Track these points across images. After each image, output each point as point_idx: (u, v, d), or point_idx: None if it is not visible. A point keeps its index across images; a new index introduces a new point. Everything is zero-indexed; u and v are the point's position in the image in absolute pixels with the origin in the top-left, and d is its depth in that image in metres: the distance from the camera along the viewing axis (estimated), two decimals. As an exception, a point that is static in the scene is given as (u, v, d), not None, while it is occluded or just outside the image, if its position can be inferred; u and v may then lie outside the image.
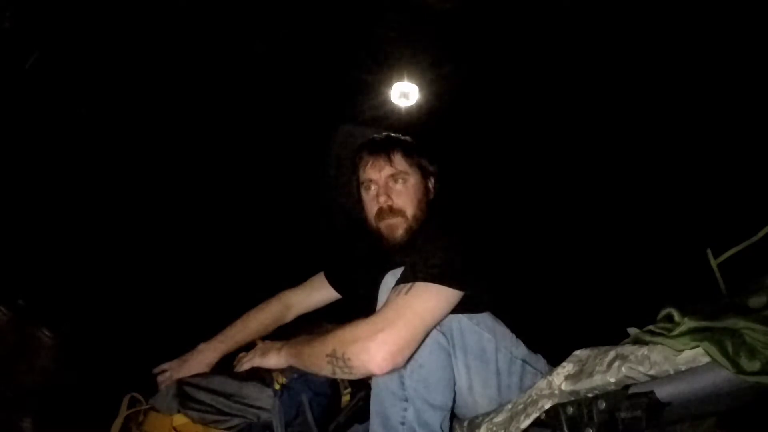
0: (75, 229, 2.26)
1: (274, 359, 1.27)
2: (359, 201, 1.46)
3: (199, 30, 2.52)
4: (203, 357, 1.48)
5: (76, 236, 2.26)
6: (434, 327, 1.13)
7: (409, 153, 1.39)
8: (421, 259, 1.15)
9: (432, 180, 1.44)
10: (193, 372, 1.42)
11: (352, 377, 1.17)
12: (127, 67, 2.45)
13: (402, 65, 2.98)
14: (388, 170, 1.36)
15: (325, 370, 1.13)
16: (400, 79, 3.07)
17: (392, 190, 1.36)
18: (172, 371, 1.43)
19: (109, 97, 2.46)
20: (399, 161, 1.37)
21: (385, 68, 2.99)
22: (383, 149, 1.38)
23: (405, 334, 1.07)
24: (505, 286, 1.32)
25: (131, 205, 2.60)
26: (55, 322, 1.50)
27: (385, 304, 1.11)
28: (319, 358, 1.13)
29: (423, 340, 1.12)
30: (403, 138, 1.45)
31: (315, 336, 1.21)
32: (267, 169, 3.07)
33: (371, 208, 1.38)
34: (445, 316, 1.15)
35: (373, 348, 1.05)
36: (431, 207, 1.40)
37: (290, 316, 1.66)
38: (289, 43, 2.73)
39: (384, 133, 1.47)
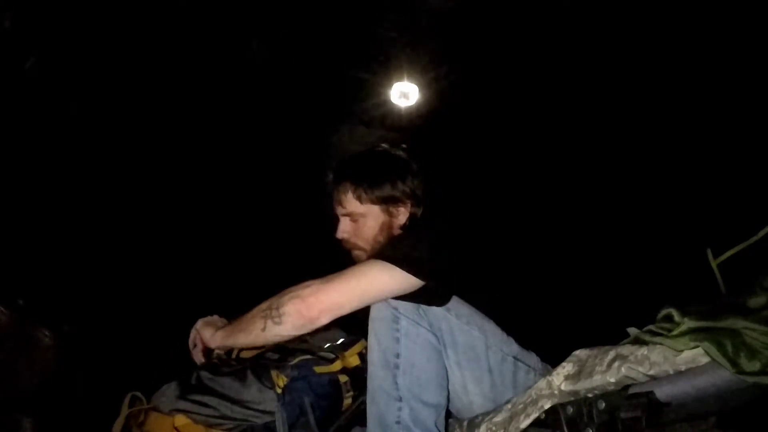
0: (75, 229, 2.26)
1: (217, 338, 1.27)
2: None
3: (198, 30, 2.52)
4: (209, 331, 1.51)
5: (76, 236, 2.26)
6: (376, 302, 1.16)
7: (360, 188, 1.33)
8: (389, 246, 1.21)
9: (402, 204, 1.36)
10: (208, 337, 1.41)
11: (281, 331, 1.17)
12: (127, 66, 2.46)
13: (402, 65, 2.98)
14: (340, 210, 1.37)
15: (257, 325, 1.16)
16: (400, 79, 3.07)
17: (347, 227, 1.37)
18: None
19: (110, 97, 2.47)
20: (349, 202, 1.34)
21: (385, 68, 2.99)
22: (334, 187, 1.38)
23: (340, 296, 1.13)
24: (500, 284, 1.32)
25: (131, 206, 2.60)
26: (55, 322, 1.50)
27: (340, 273, 1.17)
28: (255, 316, 1.17)
29: (359, 310, 1.16)
30: (358, 168, 1.38)
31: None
32: (267, 170, 3.07)
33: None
34: (393, 297, 1.16)
35: (301, 305, 1.11)
36: (405, 226, 1.36)
37: None
38: (288, 43, 2.73)
39: (339, 162, 1.44)
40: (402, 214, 1.36)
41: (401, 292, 1.16)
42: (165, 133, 2.75)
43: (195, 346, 1.33)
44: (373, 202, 1.34)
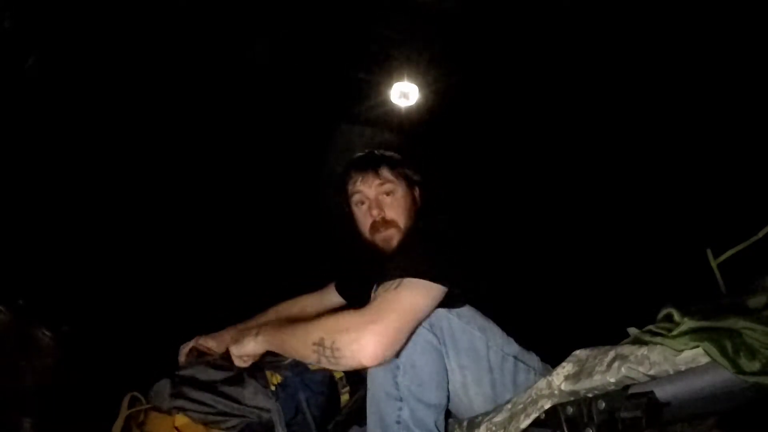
0: (75, 229, 2.26)
1: (250, 346, 1.25)
2: (350, 218, 1.51)
3: (198, 30, 2.52)
4: (226, 335, 1.55)
5: (76, 236, 2.26)
6: (421, 322, 1.15)
7: (394, 166, 1.46)
8: (406, 258, 1.17)
9: (417, 189, 1.49)
10: (209, 343, 1.52)
11: (338, 368, 1.18)
12: (128, 66, 2.46)
13: (402, 65, 2.97)
14: (377, 184, 1.42)
15: (310, 358, 1.13)
16: (400, 79, 3.07)
17: (383, 203, 1.42)
18: (195, 340, 1.53)
19: (110, 97, 2.47)
20: (386, 175, 1.44)
21: (385, 68, 2.99)
22: (371, 165, 1.45)
23: (396, 327, 1.07)
24: (496, 283, 1.33)
25: (132, 206, 2.60)
26: (55, 322, 1.50)
27: (375, 299, 1.12)
28: (303, 345, 1.12)
29: (410, 336, 1.14)
30: (387, 153, 1.51)
31: (294, 321, 1.22)
32: (266, 170, 3.07)
33: (365, 222, 1.44)
34: (432, 311, 1.16)
35: (364, 339, 1.04)
36: (418, 214, 1.45)
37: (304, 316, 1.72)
38: (288, 43, 2.73)
39: (367, 150, 1.54)
40: (417, 201, 1.48)
41: (437, 303, 1.15)
42: (165, 133, 2.75)
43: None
44: (403, 178, 1.46)
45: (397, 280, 1.12)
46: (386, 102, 3.18)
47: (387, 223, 1.41)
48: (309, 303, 1.76)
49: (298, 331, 1.15)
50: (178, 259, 2.69)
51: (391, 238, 1.40)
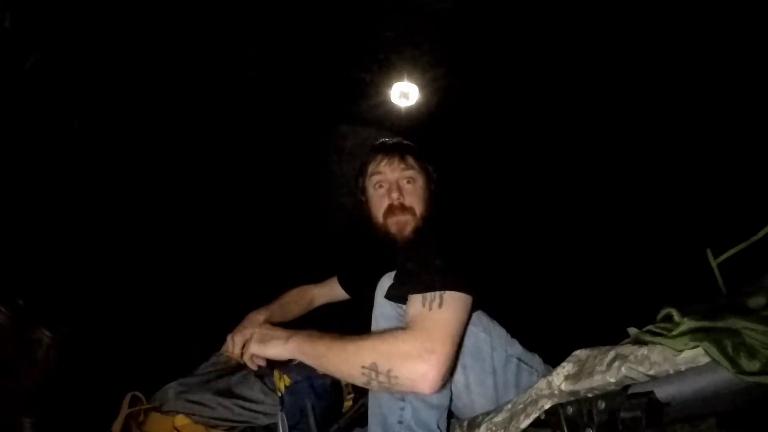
0: (74, 229, 2.26)
1: (277, 349, 1.16)
2: (364, 200, 1.50)
3: (198, 30, 2.52)
4: (255, 318, 1.54)
5: (76, 236, 2.26)
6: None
7: (419, 157, 1.47)
8: (435, 269, 1.13)
9: (434, 185, 1.50)
10: (247, 335, 1.44)
11: (387, 390, 1.11)
12: (128, 66, 2.46)
13: (402, 65, 2.97)
14: (401, 169, 1.43)
15: (357, 380, 1.08)
16: (400, 79, 3.07)
17: (404, 189, 1.42)
18: (232, 336, 1.44)
19: (110, 97, 2.46)
20: (411, 163, 1.45)
21: (385, 68, 2.99)
22: (398, 150, 1.46)
23: (452, 351, 1.05)
24: (500, 285, 1.33)
25: (132, 206, 2.60)
26: (55, 322, 1.50)
27: (422, 317, 1.07)
28: (350, 366, 1.07)
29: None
30: (414, 145, 1.53)
31: (335, 336, 1.14)
32: (266, 170, 3.07)
33: (381, 205, 1.43)
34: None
35: (425, 368, 1.01)
36: (432, 210, 1.45)
37: (313, 307, 1.77)
38: (288, 43, 2.73)
39: (396, 138, 1.55)
40: (434, 191, 1.49)
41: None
42: (164, 133, 2.75)
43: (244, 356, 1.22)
44: (425, 171, 1.48)
45: (437, 295, 1.09)
46: (386, 102, 3.18)
47: (405, 209, 1.40)
48: (316, 296, 1.78)
49: (347, 349, 1.08)
50: (178, 259, 2.69)
51: (406, 224, 1.40)
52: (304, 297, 1.77)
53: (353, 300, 1.76)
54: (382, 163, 1.44)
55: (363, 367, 1.05)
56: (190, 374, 1.43)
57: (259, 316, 1.56)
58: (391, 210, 1.41)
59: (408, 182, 1.43)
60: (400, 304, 1.17)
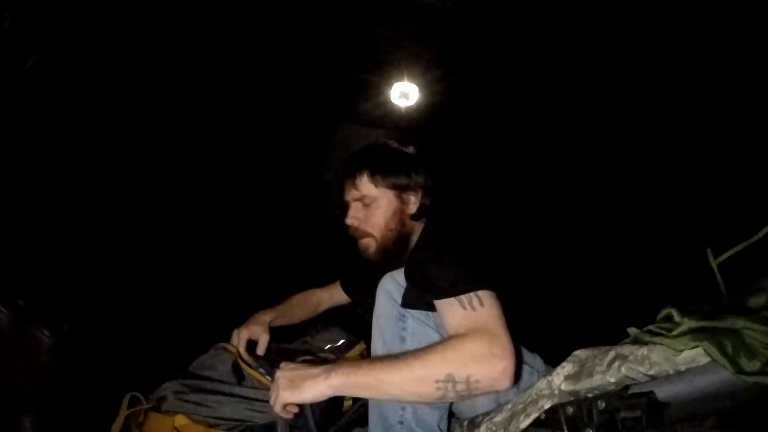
0: (74, 229, 2.26)
1: (318, 389, 1.04)
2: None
3: (198, 30, 2.52)
4: (261, 317, 1.54)
5: (76, 236, 2.26)
6: None
7: (377, 173, 1.36)
8: (455, 271, 1.12)
9: (414, 193, 1.40)
10: (254, 332, 1.47)
11: (463, 398, 1.09)
12: (128, 66, 2.45)
13: (402, 65, 2.97)
14: (354, 194, 1.38)
15: (431, 396, 1.02)
16: (400, 79, 3.07)
17: (359, 213, 1.38)
18: (238, 332, 1.47)
19: (110, 97, 2.46)
20: (364, 185, 1.37)
21: (385, 68, 2.99)
22: (349, 172, 1.39)
23: (510, 346, 1.03)
24: (500, 285, 1.32)
25: (132, 205, 2.60)
26: (55, 322, 1.50)
27: (473, 319, 1.06)
28: (422, 384, 1.01)
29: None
30: (375, 155, 1.42)
31: (377, 360, 1.10)
32: (266, 170, 3.07)
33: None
34: None
35: (503, 364, 1.00)
36: (422, 217, 1.40)
37: (319, 311, 1.76)
38: (288, 43, 2.73)
39: (355, 151, 1.46)
40: (413, 203, 1.40)
41: None
42: (164, 134, 2.75)
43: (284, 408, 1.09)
44: (388, 187, 1.37)
45: (473, 296, 1.08)
46: (386, 102, 3.18)
47: (360, 232, 1.38)
48: (322, 300, 1.76)
49: (413, 368, 1.02)
50: (178, 259, 2.69)
51: (367, 246, 1.37)
52: (311, 301, 1.75)
53: (353, 303, 1.76)
54: (344, 183, 1.41)
55: (437, 381, 1.00)
56: (188, 367, 1.43)
57: (266, 317, 1.55)
58: (352, 233, 1.40)
59: (364, 206, 1.37)
60: (404, 309, 1.17)
